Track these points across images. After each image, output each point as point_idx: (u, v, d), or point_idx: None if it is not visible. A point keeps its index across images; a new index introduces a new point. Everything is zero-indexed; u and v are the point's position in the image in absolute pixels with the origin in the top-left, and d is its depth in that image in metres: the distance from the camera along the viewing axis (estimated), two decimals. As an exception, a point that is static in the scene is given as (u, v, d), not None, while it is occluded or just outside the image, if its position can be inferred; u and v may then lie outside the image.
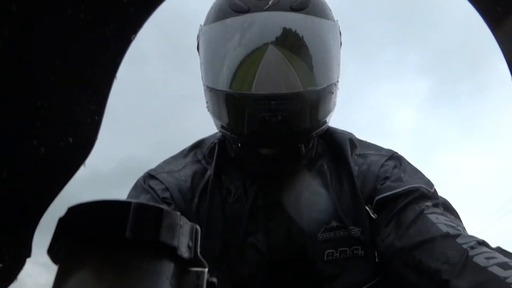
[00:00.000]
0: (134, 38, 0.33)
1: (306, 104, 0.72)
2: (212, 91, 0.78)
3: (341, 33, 0.84)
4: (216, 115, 0.79)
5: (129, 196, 0.85)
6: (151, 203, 0.24)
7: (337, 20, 0.82)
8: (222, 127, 0.79)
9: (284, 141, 0.76)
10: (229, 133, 0.78)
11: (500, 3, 0.26)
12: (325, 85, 0.74)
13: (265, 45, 0.71)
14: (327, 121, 0.81)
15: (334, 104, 0.81)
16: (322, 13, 0.77)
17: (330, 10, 0.81)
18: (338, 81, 0.81)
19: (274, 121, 0.69)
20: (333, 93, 0.78)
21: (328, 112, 0.79)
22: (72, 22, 0.29)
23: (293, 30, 0.72)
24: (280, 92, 0.70)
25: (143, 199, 0.80)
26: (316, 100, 0.74)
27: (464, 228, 0.72)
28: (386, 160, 0.84)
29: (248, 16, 0.72)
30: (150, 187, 0.83)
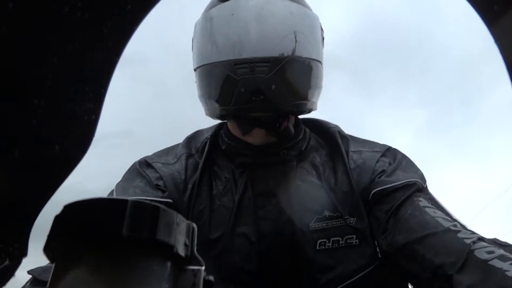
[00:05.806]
0: (131, 36, 0.33)
1: (284, 70, 0.74)
2: (198, 69, 0.81)
3: (323, 30, 0.87)
4: (205, 93, 0.81)
5: (123, 178, 0.86)
6: (148, 202, 0.24)
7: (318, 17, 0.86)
8: (209, 106, 0.81)
9: (267, 105, 0.76)
10: (217, 106, 0.79)
11: (496, 2, 0.27)
12: (304, 56, 0.77)
13: (247, 19, 0.75)
14: (312, 100, 0.82)
15: (318, 85, 0.83)
16: (302, 3, 0.82)
17: (310, 8, 0.85)
18: (320, 63, 0.82)
19: (255, 86, 0.72)
20: (313, 69, 0.80)
21: (308, 87, 0.79)
22: (69, 20, 0.29)
23: (275, 9, 0.76)
24: (259, 56, 0.73)
25: (139, 182, 0.82)
26: (296, 69, 0.76)
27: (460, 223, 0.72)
28: (381, 156, 0.85)
29: (232, 2, 0.77)
30: (145, 173, 0.84)
